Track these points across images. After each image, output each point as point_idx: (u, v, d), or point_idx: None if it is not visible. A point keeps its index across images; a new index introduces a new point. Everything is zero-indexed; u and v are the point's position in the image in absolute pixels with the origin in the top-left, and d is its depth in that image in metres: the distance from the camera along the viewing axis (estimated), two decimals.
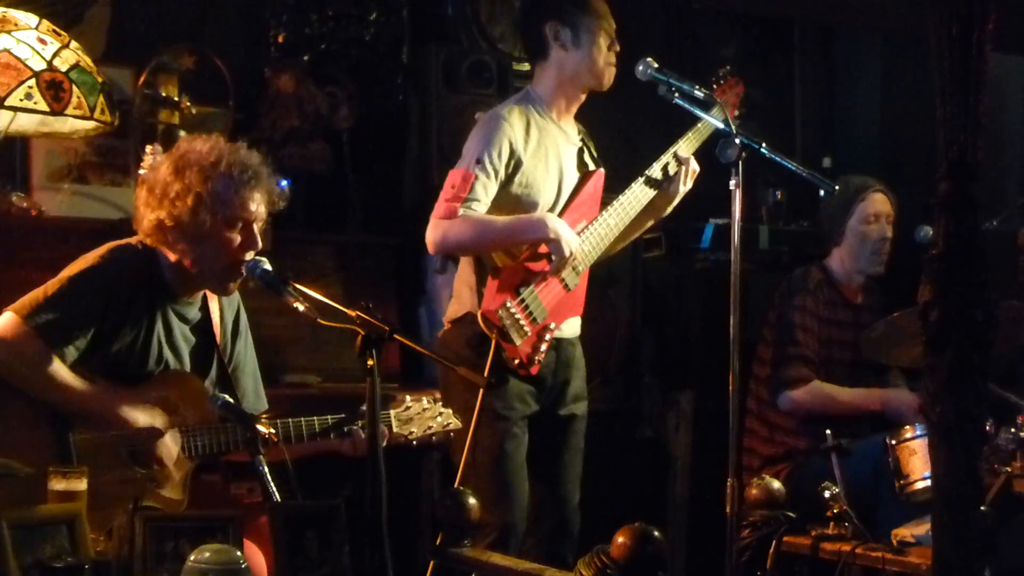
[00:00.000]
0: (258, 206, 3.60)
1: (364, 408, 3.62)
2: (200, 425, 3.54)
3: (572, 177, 4.32)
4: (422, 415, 3.77)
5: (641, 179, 4.33)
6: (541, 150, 4.22)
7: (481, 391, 3.96)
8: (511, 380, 4.14)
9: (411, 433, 3.74)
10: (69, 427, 3.40)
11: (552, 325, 4.15)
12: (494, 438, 4.14)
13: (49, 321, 3.40)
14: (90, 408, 3.45)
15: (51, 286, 3.46)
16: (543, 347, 4.12)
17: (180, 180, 3.52)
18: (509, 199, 4.17)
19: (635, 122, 5.81)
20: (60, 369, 3.41)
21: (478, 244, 4.14)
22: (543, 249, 4.12)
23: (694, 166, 4.37)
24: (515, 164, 4.16)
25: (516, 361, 4.06)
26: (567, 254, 4.09)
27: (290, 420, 3.62)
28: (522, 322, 4.07)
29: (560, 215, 4.21)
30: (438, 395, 3.92)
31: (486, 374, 3.96)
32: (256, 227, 3.60)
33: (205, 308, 3.74)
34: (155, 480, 3.46)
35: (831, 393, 4.88)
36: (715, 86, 4.58)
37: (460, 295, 4.25)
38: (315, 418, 3.66)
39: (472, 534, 3.68)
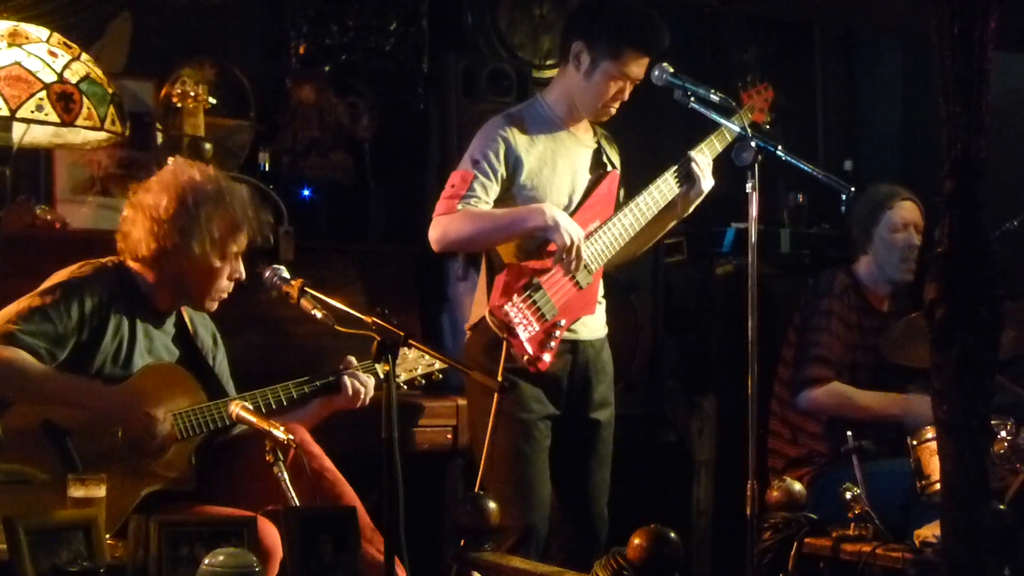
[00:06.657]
0: (242, 236, 3.68)
1: (342, 365, 3.79)
2: (191, 407, 3.62)
3: (585, 179, 4.33)
4: (405, 360, 3.83)
5: (659, 181, 4.32)
6: (547, 153, 4.24)
7: (496, 395, 3.97)
8: (524, 382, 4.15)
9: (397, 377, 3.76)
10: (67, 433, 3.44)
11: (562, 323, 4.15)
12: (511, 440, 4.16)
13: (27, 331, 3.45)
14: (86, 402, 3.51)
15: (24, 301, 3.53)
16: (552, 344, 4.12)
17: (166, 205, 3.60)
18: (515, 201, 4.20)
19: (656, 126, 5.82)
20: (47, 370, 3.46)
21: (478, 236, 4.15)
22: (551, 248, 4.12)
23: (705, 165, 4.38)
24: (515, 164, 4.18)
25: (524, 357, 4.05)
26: (567, 241, 4.07)
27: (267, 389, 3.69)
28: (530, 318, 4.07)
29: (572, 215, 4.21)
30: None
31: (499, 378, 3.97)
32: (239, 256, 3.70)
33: (180, 322, 3.83)
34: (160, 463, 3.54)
35: (850, 395, 4.82)
36: (742, 91, 4.59)
37: (479, 302, 4.27)
38: (290, 383, 3.74)
39: (493, 537, 3.71)
